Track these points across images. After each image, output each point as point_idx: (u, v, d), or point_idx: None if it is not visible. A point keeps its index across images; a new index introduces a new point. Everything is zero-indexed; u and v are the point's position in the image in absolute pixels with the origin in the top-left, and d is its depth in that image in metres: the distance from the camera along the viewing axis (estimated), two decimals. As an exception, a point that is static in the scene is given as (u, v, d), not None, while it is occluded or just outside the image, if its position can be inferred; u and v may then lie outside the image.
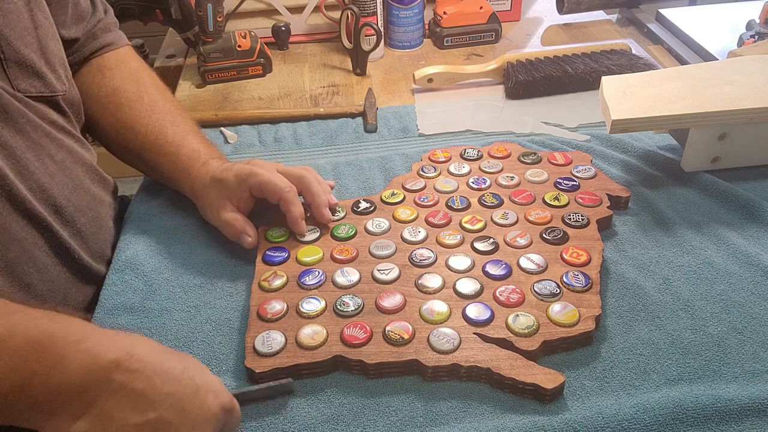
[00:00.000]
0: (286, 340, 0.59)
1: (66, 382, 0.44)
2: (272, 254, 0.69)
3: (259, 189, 0.70)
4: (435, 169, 0.81)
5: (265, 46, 1.11)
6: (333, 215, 0.74)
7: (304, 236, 0.71)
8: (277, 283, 0.66)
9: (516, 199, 0.75)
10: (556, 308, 0.60)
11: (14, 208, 0.64)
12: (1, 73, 0.65)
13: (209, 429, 0.48)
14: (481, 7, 1.15)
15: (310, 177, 0.72)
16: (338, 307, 0.62)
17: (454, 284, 0.64)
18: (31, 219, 0.66)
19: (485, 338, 0.59)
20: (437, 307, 0.62)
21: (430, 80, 1.02)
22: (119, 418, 0.45)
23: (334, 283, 0.65)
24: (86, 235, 0.72)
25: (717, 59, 1.00)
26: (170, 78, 1.16)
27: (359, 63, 1.09)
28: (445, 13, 1.15)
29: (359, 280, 0.65)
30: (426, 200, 0.76)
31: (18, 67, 0.67)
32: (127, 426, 0.45)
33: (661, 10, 1.20)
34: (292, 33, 1.18)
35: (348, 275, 0.66)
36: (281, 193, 0.69)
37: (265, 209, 0.74)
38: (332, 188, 0.77)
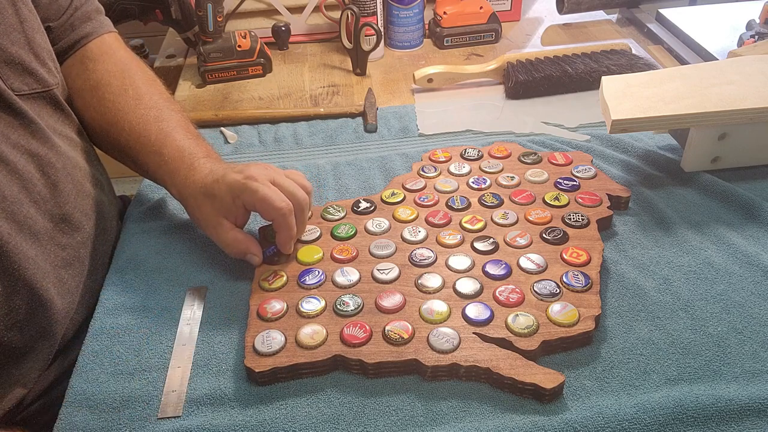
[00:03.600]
0: (285, 339, 0.59)
1: None
2: (271, 252, 0.69)
3: (253, 206, 0.66)
4: (435, 169, 0.81)
5: (265, 46, 1.11)
6: (333, 215, 0.74)
7: (288, 255, 0.69)
8: (277, 282, 0.66)
9: (516, 199, 0.75)
10: (555, 308, 0.60)
11: (20, 229, 0.62)
12: None
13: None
14: (481, 7, 1.15)
15: (301, 200, 0.67)
16: (338, 306, 0.62)
17: (454, 284, 0.64)
18: (39, 236, 0.64)
19: (485, 338, 0.59)
20: (437, 306, 0.61)
21: (430, 80, 1.02)
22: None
23: (334, 283, 0.65)
24: (93, 239, 0.71)
25: (717, 59, 1.00)
26: (170, 78, 1.16)
27: (359, 63, 1.09)
28: (445, 13, 1.15)
29: (359, 280, 0.65)
30: (426, 200, 0.76)
31: (8, 66, 0.65)
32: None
33: (661, 10, 1.21)
34: (292, 33, 1.18)
35: (348, 275, 0.66)
36: (276, 214, 0.65)
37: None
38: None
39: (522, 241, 0.69)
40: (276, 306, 0.63)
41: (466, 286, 0.64)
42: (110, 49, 0.80)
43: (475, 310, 0.61)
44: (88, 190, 0.72)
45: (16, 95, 0.65)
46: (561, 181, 0.77)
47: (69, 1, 0.78)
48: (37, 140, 0.66)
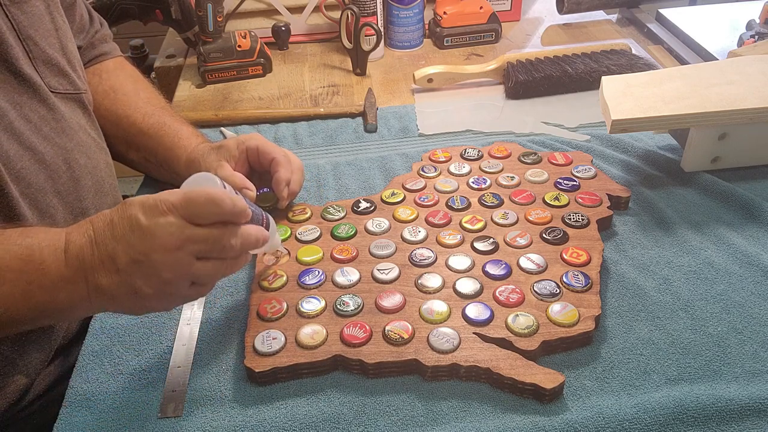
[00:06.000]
0: (285, 339, 0.59)
1: (53, 279, 0.52)
2: (264, 190, 0.73)
3: (255, 151, 0.72)
4: (435, 169, 0.81)
5: (265, 46, 1.11)
6: (333, 215, 0.74)
7: (284, 205, 0.73)
8: (277, 282, 0.66)
9: (516, 199, 0.75)
10: (555, 308, 0.60)
11: (41, 216, 0.65)
12: (33, 71, 0.67)
13: (157, 230, 0.51)
14: (481, 7, 1.15)
15: (297, 160, 0.74)
16: (338, 306, 0.62)
17: (454, 284, 0.64)
18: (59, 227, 0.66)
19: (485, 338, 0.59)
20: (437, 306, 0.61)
21: (430, 80, 1.02)
22: (106, 284, 0.52)
23: (334, 283, 0.65)
24: None
25: (717, 59, 1.00)
26: (170, 78, 1.16)
27: (359, 63, 1.09)
28: (445, 13, 1.15)
29: (359, 280, 0.65)
30: (426, 200, 0.76)
31: (45, 66, 0.69)
32: (115, 285, 0.52)
33: (661, 10, 1.21)
34: (292, 33, 1.18)
35: (348, 275, 0.66)
36: (274, 154, 0.71)
37: (260, 189, 0.75)
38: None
39: (522, 241, 0.69)
40: (276, 306, 0.63)
41: (466, 286, 0.64)
42: (122, 66, 0.88)
43: (475, 310, 0.61)
44: (106, 190, 0.75)
45: (51, 92, 0.69)
46: (561, 181, 0.77)
47: (90, 21, 0.84)
48: (66, 136, 0.70)
